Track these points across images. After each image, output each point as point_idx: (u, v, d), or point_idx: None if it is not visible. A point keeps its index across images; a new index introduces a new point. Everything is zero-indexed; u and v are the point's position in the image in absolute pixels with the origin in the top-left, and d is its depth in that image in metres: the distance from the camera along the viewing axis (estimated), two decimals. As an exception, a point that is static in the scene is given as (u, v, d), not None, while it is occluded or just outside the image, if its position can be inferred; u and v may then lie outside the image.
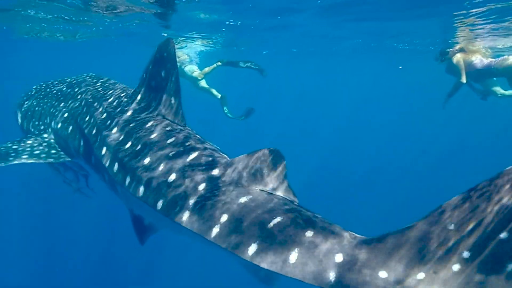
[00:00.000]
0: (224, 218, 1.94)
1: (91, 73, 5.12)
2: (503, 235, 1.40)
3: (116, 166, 2.73)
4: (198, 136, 2.82)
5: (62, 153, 4.07)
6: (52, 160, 3.95)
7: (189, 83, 10.76)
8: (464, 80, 7.76)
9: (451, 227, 1.51)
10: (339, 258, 1.67)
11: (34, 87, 5.69)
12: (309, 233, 1.78)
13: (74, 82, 4.96)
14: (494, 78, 7.99)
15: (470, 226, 1.47)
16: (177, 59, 11.05)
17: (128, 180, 2.55)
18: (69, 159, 4.09)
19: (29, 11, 8.43)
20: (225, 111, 10.08)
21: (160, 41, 2.96)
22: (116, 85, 4.17)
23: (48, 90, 5.26)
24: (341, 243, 1.72)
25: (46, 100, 4.96)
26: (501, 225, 1.42)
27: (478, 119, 28.55)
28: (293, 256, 1.72)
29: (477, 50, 9.87)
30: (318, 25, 9.95)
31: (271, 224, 1.84)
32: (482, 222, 1.45)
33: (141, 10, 7.79)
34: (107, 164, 2.84)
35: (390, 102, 35.42)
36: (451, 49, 8.29)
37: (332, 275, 1.63)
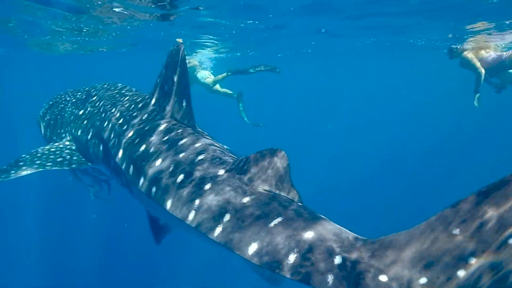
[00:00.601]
0: (227, 217, 1.99)
1: (108, 82, 5.29)
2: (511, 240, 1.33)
3: (131, 168, 2.83)
4: (208, 137, 2.90)
5: (83, 159, 4.22)
6: (74, 166, 4.10)
7: (202, 89, 10.85)
8: (482, 70, 7.57)
9: (456, 231, 1.43)
10: (338, 260, 1.64)
11: (55, 97, 5.93)
12: (309, 234, 1.78)
13: (92, 90, 5.15)
14: (510, 71, 7.81)
15: (477, 231, 1.39)
16: (188, 65, 11.01)
17: (141, 180, 2.64)
18: (90, 165, 4.24)
19: (48, 22, 8.65)
20: (240, 108, 9.99)
21: (171, 46, 3.06)
22: (133, 91, 4.31)
23: (68, 99, 5.48)
24: (342, 245, 1.70)
25: (66, 109, 5.16)
26: (510, 231, 1.34)
27: (492, 118, 27.88)
28: (292, 257, 1.72)
29: (488, 46, 9.65)
30: (322, 24, 9.93)
31: (272, 224, 1.86)
32: (490, 228, 1.37)
33: (141, 14, 7.92)
34: (123, 166, 2.95)
35: (405, 101, 34.96)
36: (459, 46, 8.15)
37: (330, 278, 1.60)
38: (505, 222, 1.34)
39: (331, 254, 1.68)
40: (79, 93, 5.48)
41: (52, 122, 5.23)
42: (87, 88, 5.49)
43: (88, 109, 4.47)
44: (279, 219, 1.88)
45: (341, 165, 19.57)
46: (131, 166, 2.83)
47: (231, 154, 2.61)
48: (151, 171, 2.58)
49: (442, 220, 1.48)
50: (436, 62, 16.79)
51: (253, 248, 1.81)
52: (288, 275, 1.68)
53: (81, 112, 4.59)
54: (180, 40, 11.80)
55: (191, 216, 2.12)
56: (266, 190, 2.09)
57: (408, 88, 33.71)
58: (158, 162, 2.60)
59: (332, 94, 36.49)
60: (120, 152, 3.06)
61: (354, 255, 1.64)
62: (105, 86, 5.01)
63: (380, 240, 1.64)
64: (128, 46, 12.75)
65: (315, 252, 1.70)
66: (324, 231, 1.79)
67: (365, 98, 35.80)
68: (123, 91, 4.38)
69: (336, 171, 18.23)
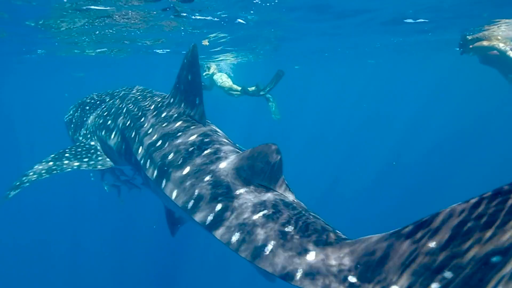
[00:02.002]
0: (218, 207, 2.12)
1: (131, 85, 5.54)
2: (494, 258, 1.23)
3: (148, 162, 3.01)
4: (218, 132, 3.05)
5: (108, 159, 4.43)
6: (100, 167, 4.31)
7: (221, 92, 10.92)
8: (500, 45, 6.96)
9: (432, 244, 1.35)
10: (311, 256, 1.67)
11: (81, 99, 6.25)
12: (289, 228, 1.83)
13: (115, 93, 5.41)
14: None
15: (456, 245, 1.30)
16: (209, 71, 10.91)
17: (155, 173, 2.81)
18: (113, 165, 4.44)
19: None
20: (269, 102, 9.60)
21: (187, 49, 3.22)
22: (154, 93, 4.50)
23: (92, 101, 5.78)
24: (319, 242, 1.72)
25: (91, 111, 5.45)
26: (492, 247, 1.23)
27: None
28: (268, 248, 1.78)
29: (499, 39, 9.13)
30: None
31: (256, 216, 1.96)
32: (470, 242, 1.27)
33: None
34: (142, 161, 3.13)
35: (414, 103, 34.50)
36: (471, 37, 7.40)
37: (299, 273, 1.63)
38: (489, 237, 1.24)
39: (305, 249, 1.71)
40: (103, 96, 5.76)
41: (78, 123, 5.52)
42: (110, 91, 5.76)
43: (112, 110, 4.69)
44: (264, 211, 1.97)
45: (352, 166, 19.63)
46: (148, 160, 3.01)
47: (237, 149, 2.73)
48: (162, 165, 2.76)
49: (420, 229, 1.41)
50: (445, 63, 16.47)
51: (235, 237, 1.91)
52: (261, 265, 1.74)
53: (105, 114, 4.82)
54: (206, 42, 11.55)
55: (190, 205, 2.27)
56: (260, 184, 2.20)
57: (420, 90, 33.24)
58: (170, 156, 2.78)
59: (344, 96, 36.38)
60: (140, 148, 3.25)
61: (328, 253, 1.65)
62: (128, 89, 5.25)
63: (358, 242, 1.63)
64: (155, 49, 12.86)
65: (290, 246, 1.75)
66: (304, 227, 1.83)
67: (375, 99, 35.57)
68: (144, 93, 4.57)
69: (348, 172, 18.34)
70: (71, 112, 6.07)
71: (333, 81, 31.88)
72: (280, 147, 2.19)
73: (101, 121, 4.79)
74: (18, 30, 8.91)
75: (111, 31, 9.29)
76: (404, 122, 29.41)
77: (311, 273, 1.61)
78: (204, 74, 11.04)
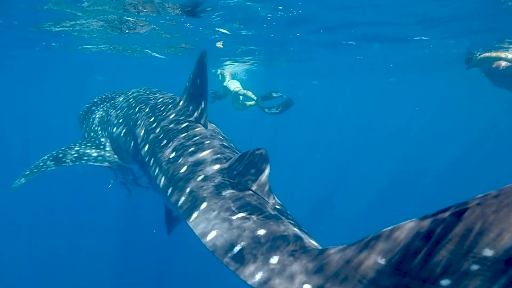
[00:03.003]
0: (203, 205, 2.22)
1: (144, 86, 5.71)
2: (444, 282, 1.14)
3: (151, 160, 3.13)
4: (219, 135, 3.16)
5: (116, 156, 4.56)
6: (107, 163, 4.45)
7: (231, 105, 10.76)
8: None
9: (382, 261, 1.32)
10: (274, 260, 1.73)
11: (95, 99, 6.45)
12: (261, 232, 1.91)
13: (128, 93, 5.58)
14: None
15: (405, 263, 1.24)
16: (225, 82, 10.82)
17: (156, 171, 2.93)
18: (121, 163, 4.56)
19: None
20: (272, 110, 9.61)
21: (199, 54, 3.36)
22: (165, 95, 4.63)
23: (106, 100, 5.96)
24: (285, 247, 1.78)
25: (104, 108, 5.62)
26: (441, 269, 1.15)
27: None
28: (237, 248, 1.86)
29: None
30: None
31: (235, 217, 2.04)
32: (419, 262, 1.20)
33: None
34: (146, 159, 3.25)
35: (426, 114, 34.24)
36: (478, 54, 6.92)
37: (259, 274, 1.69)
38: (438, 258, 1.16)
39: (269, 252, 1.78)
40: (117, 95, 5.94)
41: (91, 120, 5.69)
42: (124, 91, 5.94)
43: (124, 109, 4.83)
44: (242, 214, 2.05)
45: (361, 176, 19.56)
46: (152, 158, 3.14)
47: (235, 152, 2.83)
48: (163, 163, 2.89)
49: (371, 242, 1.38)
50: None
51: (211, 235, 2.00)
52: (228, 265, 1.82)
53: (117, 112, 4.96)
54: (220, 45, 11.73)
55: (181, 201, 2.39)
56: (247, 188, 2.28)
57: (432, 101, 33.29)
58: (171, 155, 2.91)
59: (356, 111, 36.36)
60: (146, 147, 3.38)
61: (290, 259, 1.71)
62: (141, 90, 5.39)
63: (321, 251, 1.67)
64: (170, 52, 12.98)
65: (257, 248, 1.82)
66: (276, 231, 1.91)
67: (384, 115, 35.57)
68: (157, 94, 4.71)
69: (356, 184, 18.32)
70: (84, 109, 6.27)
71: (347, 96, 31.96)
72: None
73: (112, 119, 4.93)
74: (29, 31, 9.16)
75: (124, 31, 9.54)
76: (412, 138, 29.32)
77: (269, 277, 1.67)
78: (224, 83, 11.04)
